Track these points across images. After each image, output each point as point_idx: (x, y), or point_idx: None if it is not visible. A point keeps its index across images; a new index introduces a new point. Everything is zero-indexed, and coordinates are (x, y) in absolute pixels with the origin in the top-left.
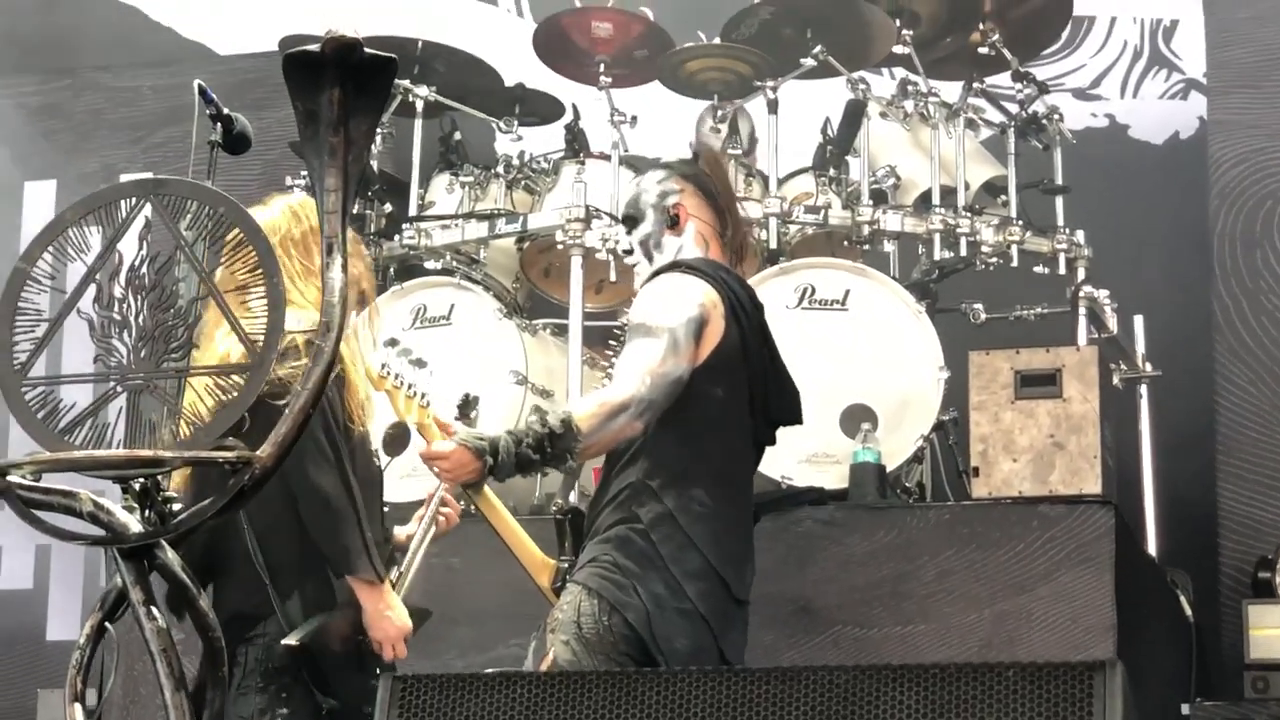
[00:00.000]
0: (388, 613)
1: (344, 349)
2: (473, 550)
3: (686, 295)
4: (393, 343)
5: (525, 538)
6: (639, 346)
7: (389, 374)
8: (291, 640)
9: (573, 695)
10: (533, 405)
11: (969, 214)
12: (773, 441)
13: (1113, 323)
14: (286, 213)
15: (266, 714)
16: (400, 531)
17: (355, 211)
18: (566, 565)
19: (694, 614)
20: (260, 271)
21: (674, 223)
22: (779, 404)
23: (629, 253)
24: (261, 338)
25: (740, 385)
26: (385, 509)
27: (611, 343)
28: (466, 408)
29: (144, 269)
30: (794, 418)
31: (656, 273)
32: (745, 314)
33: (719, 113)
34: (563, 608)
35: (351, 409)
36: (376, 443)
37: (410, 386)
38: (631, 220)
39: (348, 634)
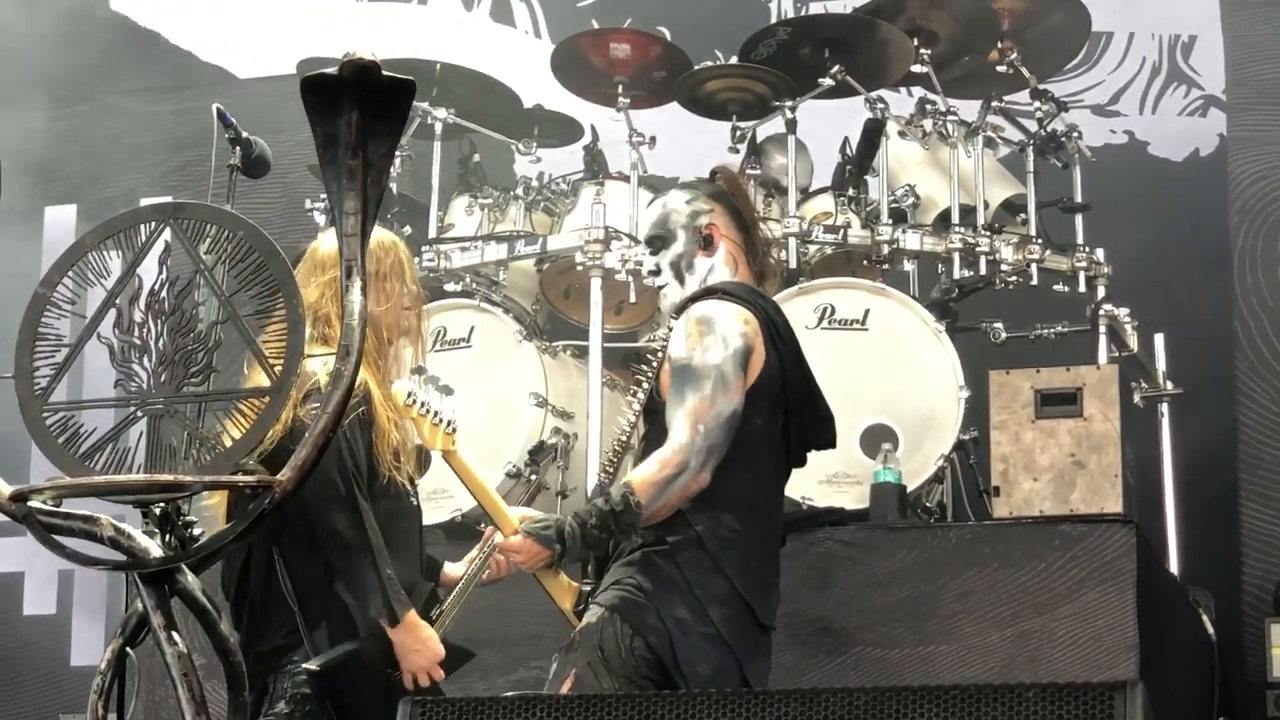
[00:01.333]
0: (418, 647)
1: (375, 392)
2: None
3: (728, 325)
4: (419, 370)
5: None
6: (686, 394)
7: (415, 402)
8: (313, 665)
9: (592, 718)
10: (553, 427)
11: (988, 232)
12: (803, 464)
13: (1133, 341)
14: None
15: None
16: (450, 569)
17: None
18: (589, 588)
19: (717, 639)
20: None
21: (707, 243)
22: (814, 430)
23: (655, 273)
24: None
25: (777, 412)
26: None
27: (639, 365)
28: (538, 455)
29: (164, 293)
30: (828, 443)
31: (692, 299)
32: (783, 340)
33: (738, 133)
34: (585, 630)
35: (380, 453)
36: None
37: (436, 414)
38: (660, 241)
39: (377, 664)
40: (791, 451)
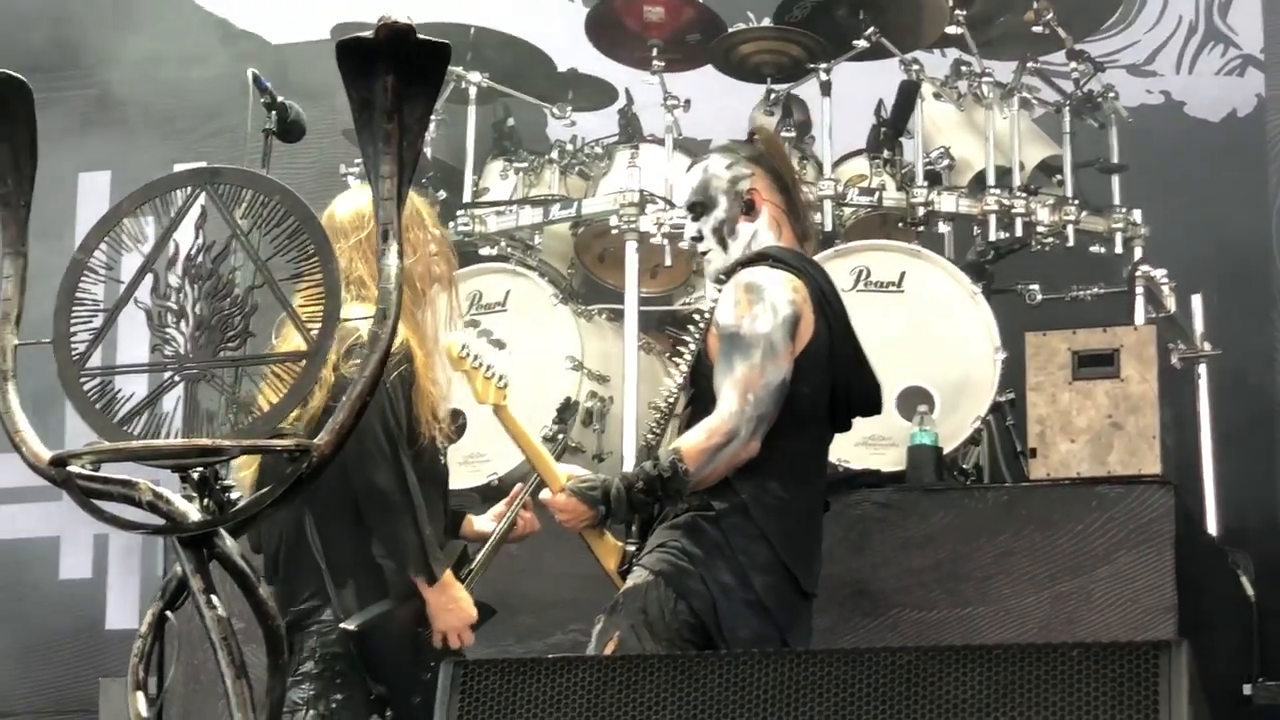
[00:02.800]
0: (451, 606)
1: (417, 351)
2: (533, 537)
3: (777, 292)
4: (473, 323)
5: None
6: (735, 362)
7: (468, 355)
8: (349, 624)
9: (634, 679)
10: (588, 390)
11: (1024, 194)
12: (848, 429)
13: (1170, 302)
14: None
15: (321, 700)
16: (474, 523)
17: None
18: (634, 549)
19: (758, 605)
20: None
21: (749, 208)
22: (861, 397)
23: (698, 239)
24: (317, 327)
25: (825, 381)
26: (450, 504)
27: (679, 329)
28: (565, 412)
29: (200, 258)
30: (874, 409)
31: (740, 264)
32: (832, 308)
33: (772, 95)
34: (629, 591)
35: (421, 412)
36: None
37: (489, 369)
38: (701, 207)
39: (408, 625)
40: (838, 418)
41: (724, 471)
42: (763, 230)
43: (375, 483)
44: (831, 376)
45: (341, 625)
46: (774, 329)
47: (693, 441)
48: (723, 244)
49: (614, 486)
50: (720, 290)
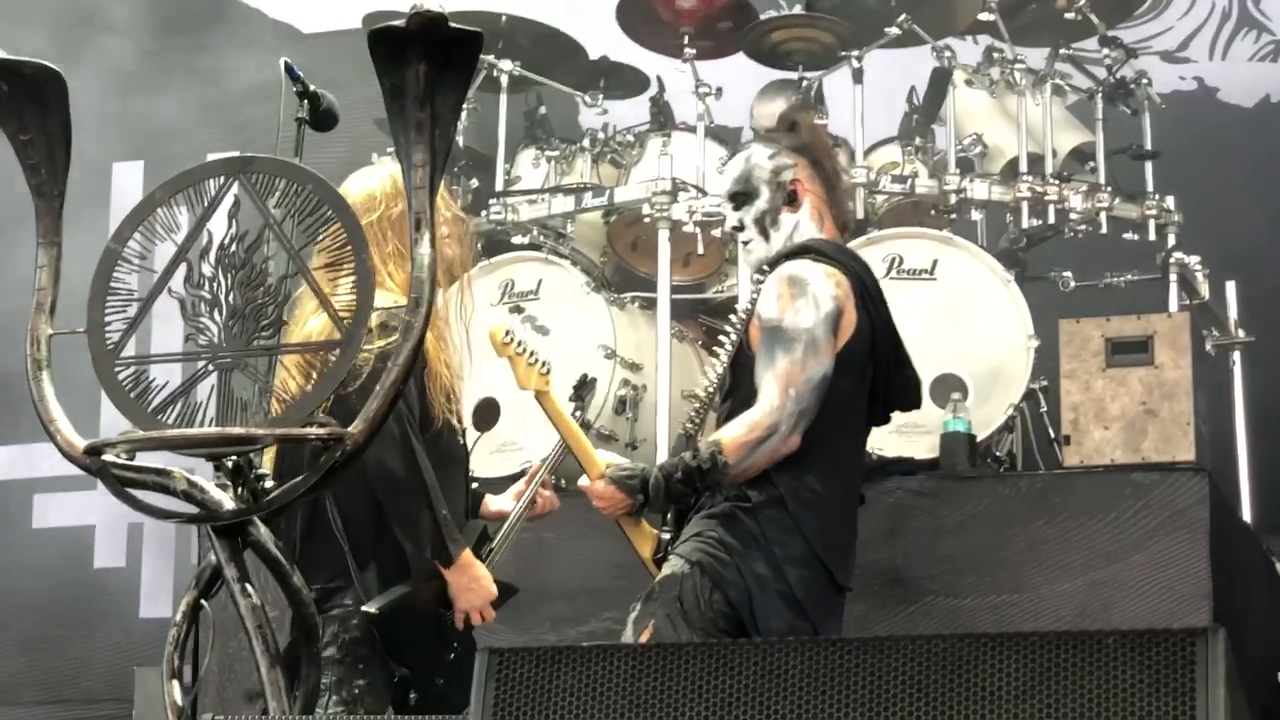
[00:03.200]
0: (471, 585)
1: (429, 333)
2: (565, 525)
3: (820, 287)
4: (517, 309)
5: None
6: (777, 356)
7: (512, 340)
8: (371, 607)
9: (669, 667)
10: (621, 379)
11: (1057, 181)
12: (887, 423)
13: (1204, 289)
14: (388, 186)
15: (344, 685)
16: (491, 502)
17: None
18: (669, 537)
19: (790, 597)
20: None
21: (791, 198)
22: (900, 392)
23: (739, 229)
24: (350, 315)
25: (865, 375)
26: (474, 485)
27: (712, 318)
28: (583, 389)
29: (234, 247)
30: (914, 404)
31: (784, 256)
32: (874, 302)
33: (804, 83)
34: (665, 580)
35: (433, 394)
36: (466, 418)
37: (533, 354)
38: (743, 197)
39: (430, 605)
40: (876, 413)
41: (763, 465)
42: (805, 221)
43: (387, 466)
44: (872, 371)
45: (363, 608)
46: (816, 323)
47: (733, 434)
48: (764, 234)
49: (653, 476)
50: (762, 281)
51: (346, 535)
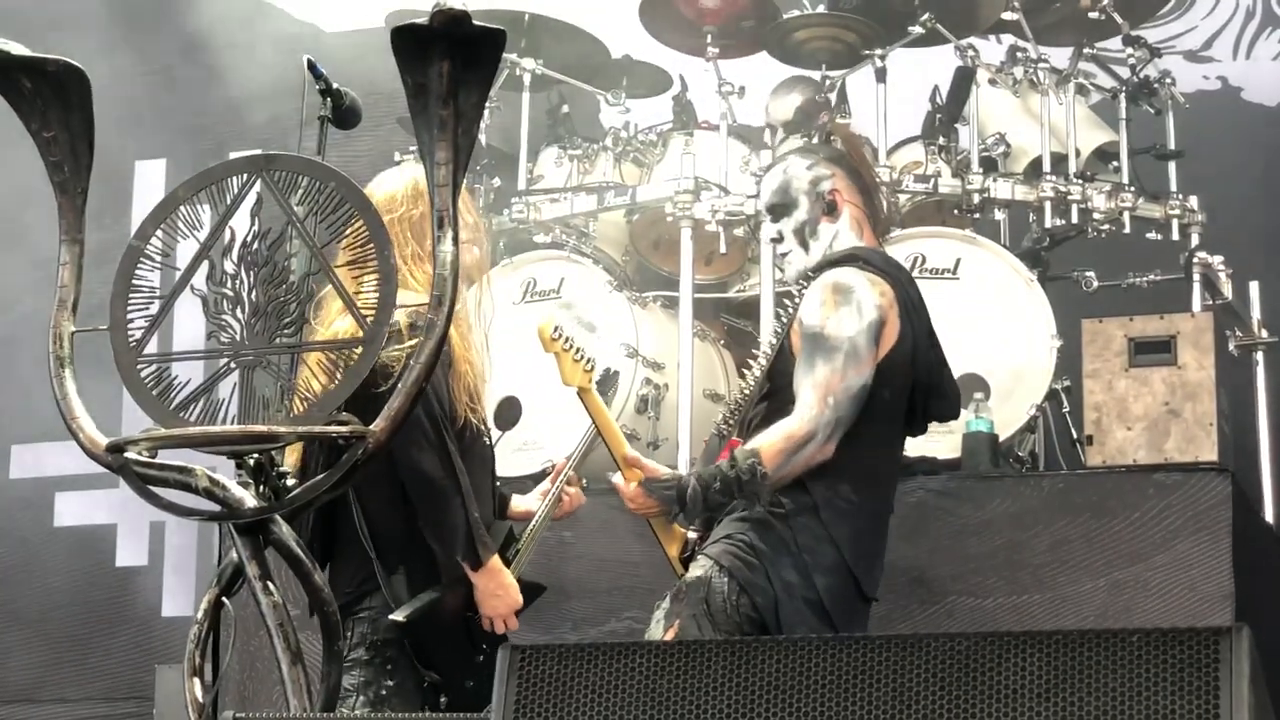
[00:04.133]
0: (498, 592)
1: (453, 333)
2: (586, 524)
3: (864, 296)
4: (567, 306)
5: None
6: (818, 364)
7: (560, 336)
8: (399, 616)
9: (693, 665)
10: (643, 378)
11: (1080, 181)
12: (923, 433)
13: (1227, 289)
14: (409, 188)
15: (371, 686)
16: (518, 502)
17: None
18: (696, 536)
19: (818, 605)
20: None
21: (831, 208)
22: (939, 404)
23: (778, 240)
24: (373, 313)
25: (905, 386)
26: (497, 485)
27: (727, 317)
28: (604, 385)
29: (256, 245)
30: (951, 416)
31: (829, 263)
32: (917, 313)
33: (827, 82)
34: (693, 581)
35: (457, 394)
36: (489, 417)
37: (579, 351)
38: (781, 208)
39: (457, 610)
40: (914, 423)
41: (799, 473)
42: (844, 231)
43: (421, 467)
44: (913, 382)
45: (391, 617)
46: (858, 333)
47: (770, 442)
48: (804, 245)
49: (690, 487)
50: (805, 286)
51: (373, 539)
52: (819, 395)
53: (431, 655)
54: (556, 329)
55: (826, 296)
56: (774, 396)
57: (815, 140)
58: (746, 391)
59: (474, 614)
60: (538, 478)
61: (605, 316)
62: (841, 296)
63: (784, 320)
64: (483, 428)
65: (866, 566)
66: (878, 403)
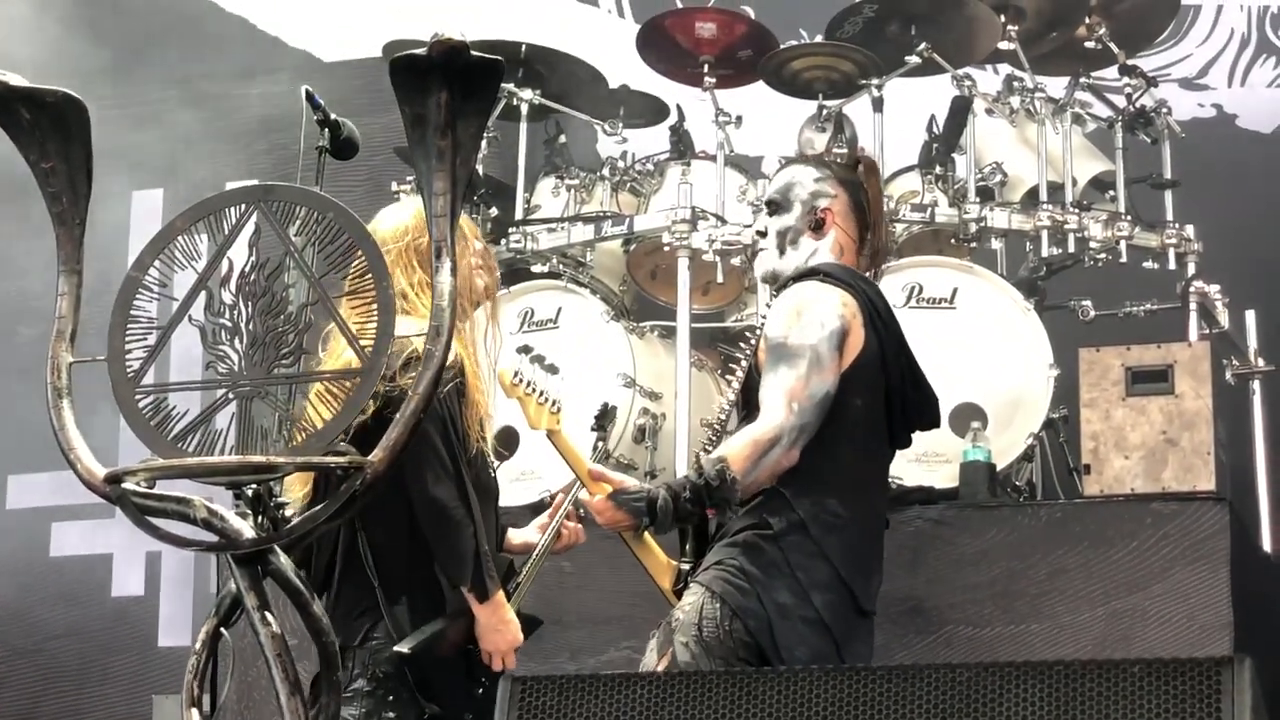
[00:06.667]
0: (500, 627)
1: (468, 364)
2: (584, 554)
3: (826, 306)
4: (526, 349)
5: (650, 540)
6: (781, 371)
7: (521, 381)
8: (403, 647)
9: (693, 695)
10: (641, 407)
11: (1077, 210)
12: (908, 445)
13: (1224, 318)
14: (418, 218)
15: (373, 717)
16: (515, 536)
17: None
18: (688, 567)
19: (818, 623)
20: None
21: (818, 226)
22: (917, 411)
23: (762, 234)
24: (372, 344)
25: (878, 394)
26: (499, 518)
27: (729, 345)
28: (604, 419)
29: (254, 275)
30: (932, 423)
31: (793, 279)
32: (883, 322)
33: (824, 111)
34: (685, 608)
35: (469, 424)
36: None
37: (542, 394)
38: (776, 206)
39: (459, 642)
40: (895, 433)
41: (766, 480)
42: (824, 251)
43: (435, 495)
44: (885, 389)
45: (395, 649)
46: (820, 340)
47: (737, 448)
48: (781, 248)
49: (660, 497)
50: (772, 303)
51: (377, 570)
52: (783, 400)
53: (433, 687)
54: (516, 374)
55: (789, 309)
56: (750, 415)
57: (841, 157)
58: (723, 416)
59: (474, 647)
60: (535, 508)
61: (602, 346)
62: (803, 307)
63: (753, 342)
64: (490, 458)
65: (862, 580)
66: (852, 412)
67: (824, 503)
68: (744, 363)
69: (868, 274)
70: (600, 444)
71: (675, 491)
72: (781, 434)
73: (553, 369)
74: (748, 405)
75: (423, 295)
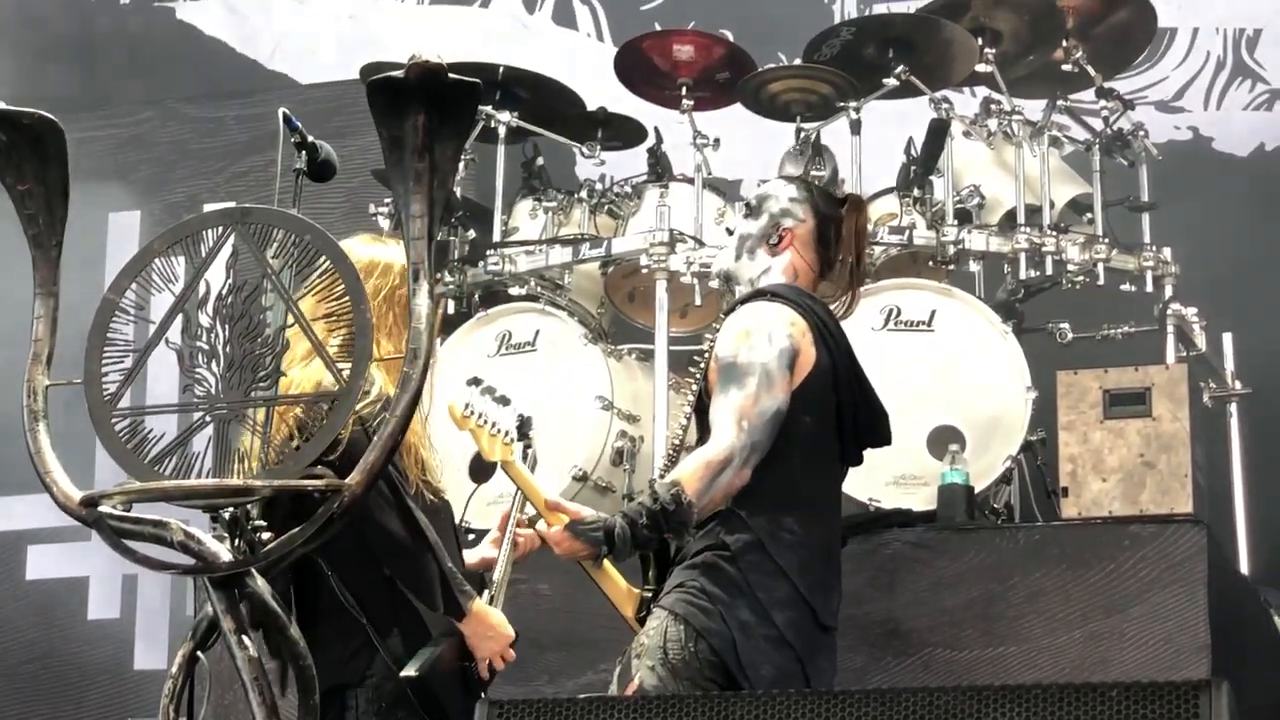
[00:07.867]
0: (489, 634)
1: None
2: (561, 576)
3: (775, 325)
4: (475, 381)
5: (611, 569)
6: (731, 392)
7: (471, 413)
8: (410, 671)
9: (670, 719)
10: (618, 430)
11: (1054, 232)
12: (859, 462)
13: (1201, 340)
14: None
15: None
16: (470, 555)
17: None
18: (650, 594)
19: (780, 641)
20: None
21: (775, 244)
22: (869, 427)
23: (729, 233)
24: (348, 366)
25: (830, 411)
26: (469, 536)
27: (691, 369)
28: (525, 428)
29: (231, 298)
30: (883, 440)
31: (742, 301)
32: (833, 339)
33: (802, 134)
34: (649, 633)
35: (406, 467)
36: (461, 470)
37: (494, 425)
38: (750, 210)
39: (456, 660)
40: (847, 451)
41: (720, 500)
42: (776, 270)
43: (386, 528)
44: (837, 407)
45: (403, 674)
46: (770, 359)
47: (690, 471)
48: (738, 253)
49: (617, 525)
50: (721, 325)
51: (362, 608)
52: (734, 420)
53: (437, 709)
54: (467, 406)
55: (738, 329)
56: (704, 436)
57: (834, 187)
58: (677, 439)
59: (470, 663)
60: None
61: (580, 369)
62: (751, 327)
63: (701, 365)
64: (438, 498)
65: (823, 596)
66: (804, 429)
67: (780, 520)
68: (694, 386)
69: (842, 299)
70: (529, 450)
71: (632, 519)
72: (733, 454)
73: (504, 400)
74: (702, 427)
75: (396, 335)
